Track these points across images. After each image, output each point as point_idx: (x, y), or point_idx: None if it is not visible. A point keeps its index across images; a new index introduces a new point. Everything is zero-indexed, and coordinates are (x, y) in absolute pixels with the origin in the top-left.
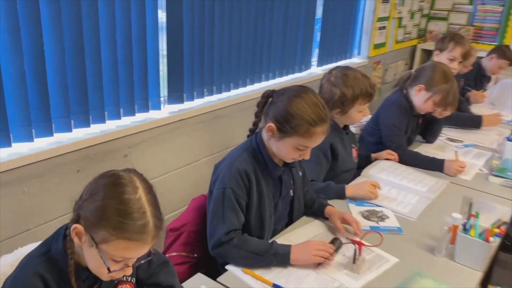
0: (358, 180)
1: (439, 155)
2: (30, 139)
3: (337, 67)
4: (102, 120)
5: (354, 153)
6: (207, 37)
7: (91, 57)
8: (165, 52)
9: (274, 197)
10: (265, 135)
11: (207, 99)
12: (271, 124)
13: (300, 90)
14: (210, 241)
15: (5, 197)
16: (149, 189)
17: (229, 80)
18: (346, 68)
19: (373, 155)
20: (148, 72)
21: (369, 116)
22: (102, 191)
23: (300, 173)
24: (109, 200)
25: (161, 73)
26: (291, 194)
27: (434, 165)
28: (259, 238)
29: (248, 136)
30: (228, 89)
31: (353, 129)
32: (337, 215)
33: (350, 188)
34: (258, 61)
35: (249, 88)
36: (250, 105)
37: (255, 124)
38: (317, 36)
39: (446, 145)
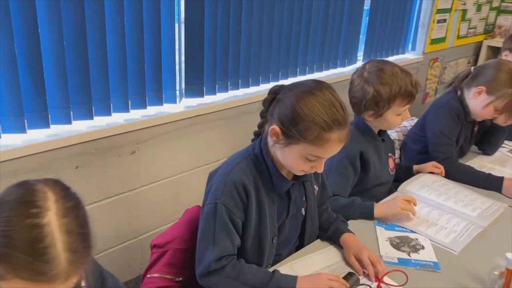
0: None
1: (497, 171)
2: (22, 130)
3: (372, 60)
4: (107, 112)
5: (391, 163)
6: (232, 22)
7: (94, 41)
8: (183, 39)
9: (279, 216)
10: (270, 140)
11: (232, 93)
12: (275, 127)
13: (313, 86)
14: (198, 267)
15: None
16: (67, 211)
17: (257, 73)
18: (383, 62)
19: (415, 167)
20: (162, 61)
21: (415, 119)
22: (5, 211)
23: (316, 188)
24: (7, 225)
25: (177, 62)
26: (303, 213)
27: (490, 183)
28: (257, 265)
29: (252, 141)
30: (257, 83)
31: (394, 134)
32: (352, 249)
33: (380, 207)
34: (293, 52)
35: (282, 82)
36: None
37: (261, 126)
38: (365, 27)
39: (508, 158)
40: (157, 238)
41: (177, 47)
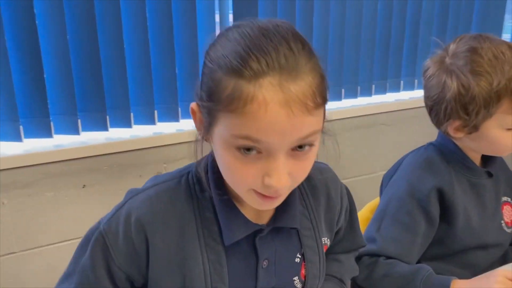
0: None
1: None
2: (17, 138)
3: (462, 37)
4: (126, 124)
5: (508, 214)
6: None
7: (107, 32)
8: None
9: (235, 287)
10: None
11: None
12: (192, 104)
13: (245, 20)
14: None
15: None
16: None
17: (339, 83)
18: (480, 38)
19: None
20: (199, 62)
21: None
22: None
23: (326, 242)
24: None
25: None
26: (299, 286)
27: None
28: None
29: None
30: (338, 97)
31: None
32: None
33: (462, 286)
34: (394, 58)
35: (376, 99)
36: (359, 124)
37: None
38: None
39: None
40: None
41: None
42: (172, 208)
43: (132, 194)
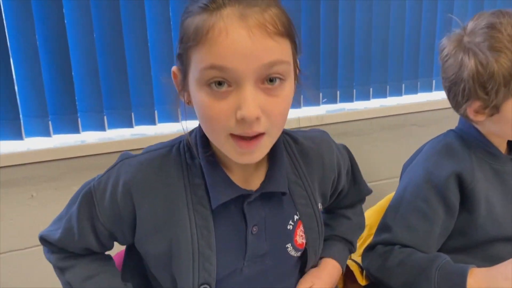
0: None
1: None
2: (46, 133)
3: (481, 14)
4: (151, 121)
5: None
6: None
7: (133, 34)
8: None
9: (226, 252)
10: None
11: (329, 107)
12: (173, 68)
13: None
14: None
15: (8, 200)
16: None
17: (366, 82)
18: (499, 14)
19: None
20: None
21: None
22: None
23: (319, 206)
24: None
25: None
26: (293, 253)
27: None
28: None
29: None
30: (366, 97)
31: None
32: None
33: (479, 275)
34: (423, 61)
35: (406, 100)
36: (388, 124)
37: None
38: None
39: None
40: None
41: None
42: (161, 174)
43: (124, 157)
